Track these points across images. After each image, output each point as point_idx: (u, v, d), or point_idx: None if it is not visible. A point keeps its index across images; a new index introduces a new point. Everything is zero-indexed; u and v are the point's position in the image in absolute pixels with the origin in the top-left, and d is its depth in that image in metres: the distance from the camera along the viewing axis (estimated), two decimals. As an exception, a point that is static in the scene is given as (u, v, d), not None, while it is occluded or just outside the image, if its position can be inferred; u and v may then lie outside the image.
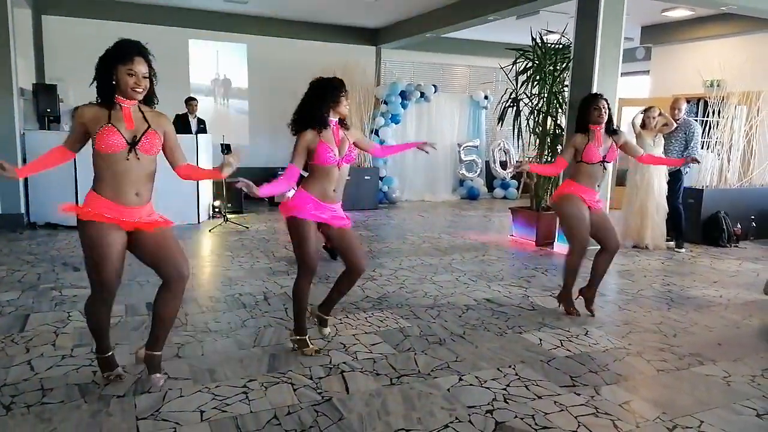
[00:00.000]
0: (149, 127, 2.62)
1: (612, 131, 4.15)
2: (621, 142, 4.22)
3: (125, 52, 2.52)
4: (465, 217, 9.23)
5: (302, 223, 3.17)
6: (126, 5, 9.35)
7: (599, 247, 4.23)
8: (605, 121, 4.07)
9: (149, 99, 2.65)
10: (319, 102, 3.19)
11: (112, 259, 2.60)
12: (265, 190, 3.03)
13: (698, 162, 4.73)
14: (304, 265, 3.24)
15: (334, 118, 3.25)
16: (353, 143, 3.34)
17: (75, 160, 2.72)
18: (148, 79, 2.58)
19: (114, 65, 2.51)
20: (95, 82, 2.56)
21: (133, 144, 2.55)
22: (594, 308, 4.26)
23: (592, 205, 4.10)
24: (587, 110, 4.08)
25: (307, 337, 3.39)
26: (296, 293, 3.31)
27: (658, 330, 3.97)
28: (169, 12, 9.67)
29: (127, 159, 2.55)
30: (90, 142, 2.60)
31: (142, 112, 2.64)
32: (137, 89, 2.54)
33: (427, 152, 3.58)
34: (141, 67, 2.54)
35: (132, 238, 2.68)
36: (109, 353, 2.91)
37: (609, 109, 4.10)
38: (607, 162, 4.11)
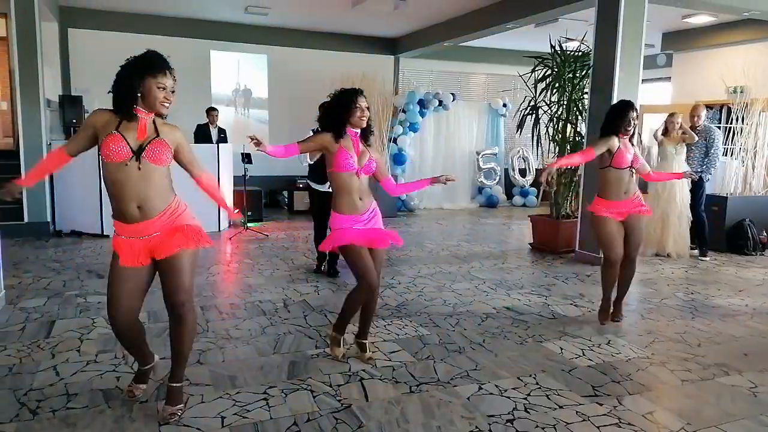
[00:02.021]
0: (157, 135, 2.53)
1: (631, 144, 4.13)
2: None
3: (157, 64, 2.47)
4: (484, 225, 9.19)
5: (353, 248, 3.25)
6: (149, 18, 9.54)
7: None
8: (632, 133, 4.05)
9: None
10: (335, 110, 3.29)
11: (124, 288, 2.60)
12: (269, 149, 3.12)
13: (693, 176, 4.73)
14: (364, 281, 3.26)
15: (353, 129, 3.28)
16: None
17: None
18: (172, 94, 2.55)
19: (143, 76, 2.45)
20: (115, 89, 2.48)
21: (138, 152, 2.46)
22: (618, 317, 4.25)
23: (626, 214, 4.07)
24: (616, 119, 4.02)
25: (342, 338, 3.47)
26: (351, 301, 3.36)
27: (682, 339, 3.91)
28: (192, 24, 9.85)
29: (126, 165, 2.45)
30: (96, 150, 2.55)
31: (155, 124, 2.56)
32: (165, 103, 2.51)
33: (445, 183, 3.53)
34: (170, 81, 2.50)
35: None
36: (147, 366, 2.87)
37: (636, 120, 4.06)
38: (635, 168, 4.09)
